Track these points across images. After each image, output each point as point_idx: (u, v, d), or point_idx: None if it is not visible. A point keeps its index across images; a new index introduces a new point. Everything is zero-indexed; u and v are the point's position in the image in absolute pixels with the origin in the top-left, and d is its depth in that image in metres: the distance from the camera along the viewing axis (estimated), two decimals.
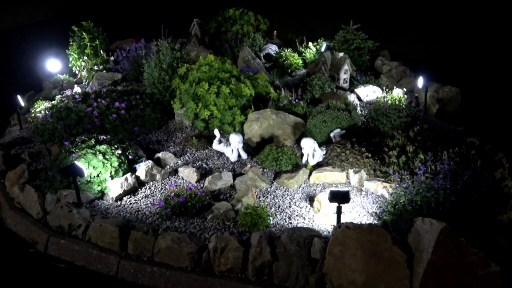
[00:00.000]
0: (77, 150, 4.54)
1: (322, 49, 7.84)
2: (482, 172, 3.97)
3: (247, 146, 5.23)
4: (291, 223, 4.00)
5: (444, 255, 3.01)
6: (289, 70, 7.63)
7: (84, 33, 7.82)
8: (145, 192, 4.54)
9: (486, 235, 3.39)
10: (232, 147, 5.01)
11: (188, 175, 4.71)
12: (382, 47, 8.32)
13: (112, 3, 15.56)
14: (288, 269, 3.39)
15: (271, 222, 3.98)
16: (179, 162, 5.04)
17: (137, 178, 4.64)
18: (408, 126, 4.92)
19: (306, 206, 4.24)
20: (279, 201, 4.33)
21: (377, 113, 5.29)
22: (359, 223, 3.57)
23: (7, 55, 10.47)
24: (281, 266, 3.41)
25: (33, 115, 6.18)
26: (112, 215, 4.19)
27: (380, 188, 4.25)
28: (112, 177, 4.53)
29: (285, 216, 4.10)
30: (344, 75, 6.83)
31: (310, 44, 8.17)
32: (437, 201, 3.57)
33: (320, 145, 5.09)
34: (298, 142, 5.22)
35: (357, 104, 6.16)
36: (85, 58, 7.80)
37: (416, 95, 6.29)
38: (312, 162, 4.85)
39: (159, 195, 4.45)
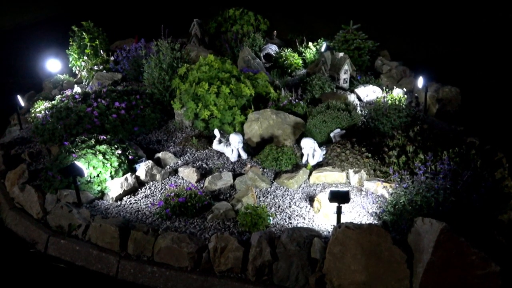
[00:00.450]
0: (77, 150, 4.54)
1: (322, 49, 7.84)
2: (482, 172, 3.97)
3: (247, 146, 5.23)
4: (291, 223, 4.00)
5: (444, 255, 3.01)
6: (289, 70, 7.64)
7: (84, 33, 7.82)
8: (145, 192, 4.54)
9: (486, 235, 3.39)
10: (232, 147, 5.01)
11: (188, 175, 4.71)
12: (382, 47, 8.32)
13: (112, 3, 15.56)
14: (288, 269, 3.39)
15: (271, 222, 3.98)
16: (179, 162, 5.04)
17: (137, 178, 4.64)
18: (408, 126, 4.91)
19: (306, 206, 4.24)
20: (279, 201, 4.33)
21: (377, 113, 5.29)
22: (359, 223, 3.57)
23: (7, 55, 10.47)
24: (281, 266, 3.41)
25: (33, 115, 6.18)
26: (112, 215, 4.19)
27: (380, 188, 4.25)
28: (112, 177, 4.53)
29: (285, 216, 4.10)
30: (344, 75, 6.83)
31: (310, 44, 8.18)
32: (437, 201, 3.57)
33: (320, 145, 5.09)
34: (298, 142, 5.22)
35: (357, 104, 6.16)
36: (85, 58, 7.80)
37: (416, 95, 6.29)
38: (312, 162, 4.85)
39: (159, 195, 4.45)
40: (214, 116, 5.57)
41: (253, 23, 8.73)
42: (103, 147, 4.61)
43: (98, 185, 4.45)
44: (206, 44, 8.60)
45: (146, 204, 4.33)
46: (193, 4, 14.42)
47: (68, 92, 6.52)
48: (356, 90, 6.59)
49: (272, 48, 8.17)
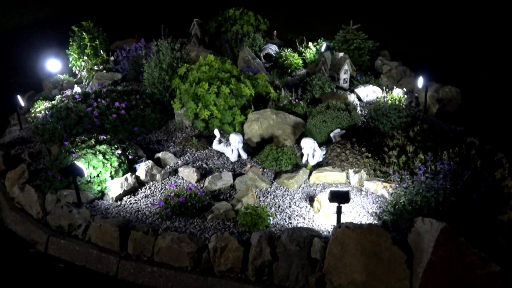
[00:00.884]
0: (77, 150, 4.54)
1: (322, 49, 7.85)
2: (482, 172, 3.97)
3: (247, 146, 5.23)
4: (291, 223, 4.00)
5: (444, 255, 3.01)
6: (289, 70, 7.64)
7: (84, 33, 7.82)
8: (145, 192, 4.54)
9: (486, 235, 3.39)
10: (232, 147, 5.01)
11: (188, 175, 4.71)
12: (382, 47, 8.32)
13: (112, 3, 15.56)
14: (288, 269, 3.39)
15: (271, 222, 3.98)
16: (179, 162, 5.04)
17: (137, 178, 4.64)
18: (408, 126, 4.91)
19: (306, 206, 4.24)
20: (279, 201, 4.33)
21: (377, 113, 5.29)
22: (359, 223, 3.57)
23: (7, 55, 10.47)
24: (281, 266, 3.41)
25: (33, 115, 6.18)
26: (112, 215, 4.19)
27: (380, 188, 4.25)
28: (112, 177, 4.53)
29: (285, 216, 4.10)
30: (344, 75, 6.83)
31: (310, 44, 8.18)
32: (437, 201, 3.57)
33: (320, 145, 5.09)
34: (298, 142, 5.22)
35: (357, 104, 6.16)
36: (85, 58, 7.80)
37: (416, 95, 6.29)
38: (312, 162, 4.85)
39: (159, 195, 4.45)
40: (214, 116, 5.57)
41: (253, 23, 8.73)
42: (103, 147, 4.61)
43: (98, 185, 4.45)
44: (206, 44, 8.60)
45: (146, 204, 4.33)
46: (193, 4, 14.42)
47: (68, 92, 6.52)
48: (356, 90, 6.59)
49: (272, 48, 8.17)
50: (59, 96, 6.35)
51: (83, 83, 7.50)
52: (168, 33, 6.66)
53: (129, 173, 4.57)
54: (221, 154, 5.20)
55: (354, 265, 3.22)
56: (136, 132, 5.63)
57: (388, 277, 3.15)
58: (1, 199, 4.61)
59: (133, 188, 4.55)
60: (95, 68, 7.53)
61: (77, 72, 7.94)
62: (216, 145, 5.22)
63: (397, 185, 3.92)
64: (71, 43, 7.88)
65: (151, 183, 4.67)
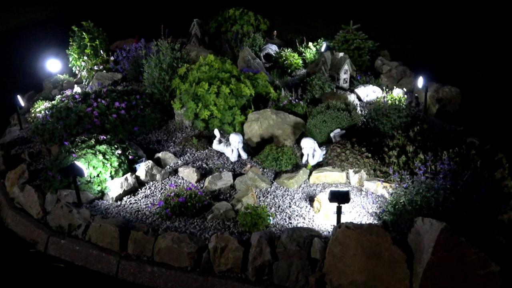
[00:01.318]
0: (77, 150, 4.54)
1: (322, 49, 7.84)
2: (482, 172, 3.97)
3: (247, 146, 5.23)
4: (291, 223, 4.00)
5: (444, 255, 3.01)
6: (289, 70, 7.63)
7: (84, 33, 7.82)
8: (145, 192, 4.54)
9: (486, 235, 3.39)
10: (232, 147, 5.01)
11: (188, 175, 4.71)
12: (382, 47, 8.32)
13: (112, 3, 15.55)
14: (288, 269, 3.39)
15: (271, 222, 3.98)
16: (179, 162, 5.04)
17: (137, 178, 4.64)
18: (408, 126, 4.92)
19: (306, 206, 4.24)
20: (279, 201, 4.33)
21: (377, 113, 5.29)
22: (359, 223, 3.57)
23: (7, 55, 10.47)
24: (281, 266, 3.41)
25: (33, 115, 6.18)
26: (112, 215, 4.19)
27: (380, 188, 4.25)
28: (112, 177, 4.53)
29: (285, 216, 4.10)
30: (344, 75, 6.83)
31: (310, 44, 8.17)
32: (437, 201, 3.57)
33: (320, 145, 5.09)
34: (298, 142, 5.22)
35: (357, 104, 6.16)
36: (85, 58, 7.80)
37: (416, 95, 6.29)
38: (312, 162, 4.85)
39: (159, 195, 4.45)
40: (214, 116, 5.57)
41: (253, 23, 8.73)
42: (103, 147, 4.61)
43: (98, 185, 4.45)
44: (206, 44, 8.60)
45: (146, 204, 4.33)
46: (193, 4, 14.41)
47: (68, 92, 6.52)
48: (356, 90, 6.59)
49: (272, 48, 8.17)
50: (59, 96, 6.35)
51: (83, 83, 7.50)
52: (168, 33, 6.66)
53: (129, 173, 4.57)
54: (221, 154, 5.20)
55: (354, 265, 3.22)
56: (136, 132, 5.63)
57: (388, 277, 3.15)
58: (1, 199, 4.61)
59: (133, 188, 4.55)
60: (95, 68, 7.53)
61: (77, 72, 7.94)
62: (216, 145, 5.22)
63: (397, 185, 3.92)
64: (71, 43, 7.87)
65: (151, 183, 4.67)
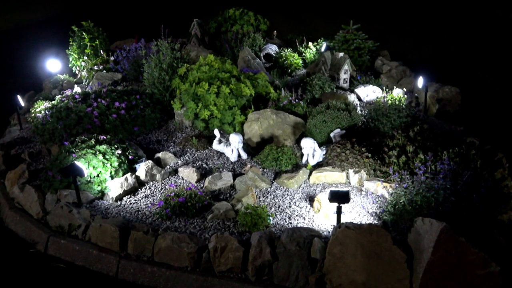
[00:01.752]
0: (77, 150, 4.54)
1: (322, 49, 7.85)
2: (482, 172, 3.97)
3: (247, 146, 5.23)
4: (291, 223, 4.00)
5: (444, 255, 3.01)
6: (289, 70, 7.64)
7: (84, 33, 7.82)
8: (145, 192, 4.54)
9: (486, 235, 3.39)
10: (232, 147, 5.01)
11: (188, 175, 4.71)
12: (382, 47, 8.33)
13: (112, 3, 15.55)
14: (288, 269, 3.39)
15: (271, 222, 3.98)
16: (179, 162, 5.04)
17: (137, 178, 4.64)
18: (408, 126, 4.91)
19: (306, 206, 4.24)
20: (279, 201, 4.33)
21: (377, 113, 5.29)
22: (359, 223, 3.57)
23: (7, 55, 10.47)
24: (281, 266, 3.41)
25: (33, 115, 6.18)
26: (112, 215, 4.19)
27: (380, 188, 4.25)
28: (112, 177, 4.53)
29: (285, 216, 4.10)
30: (344, 75, 6.83)
31: (310, 44, 8.18)
32: (437, 201, 3.57)
33: (320, 145, 5.09)
34: (298, 142, 5.22)
35: (357, 104, 6.16)
36: (85, 58, 7.81)
37: (416, 95, 6.29)
38: (312, 162, 4.85)
39: (159, 195, 4.45)
40: (214, 116, 5.57)
41: (253, 23, 8.73)
42: (103, 147, 4.61)
43: (98, 185, 4.45)
44: (206, 44, 8.60)
45: (146, 204, 4.33)
46: (193, 4, 14.41)
47: (68, 92, 6.52)
48: (356, 90, 6.59)
49: (272, 48, 8.17)
50: (59, 96, 6.35)
51: (83, 83, 7.50)
52: (168, 33, 6.66)
53: (129, 173, 4.57)
54: (221, 154, 5.20)
55: (354, 265, 3.22)
56: (136, 132, 5.63)
57: (388, 277, 3.15)
58: (1, 199, 4.61)
59: (133, 188, 4.55)
60: (95, 68, 7.54)
61: (77, 72, 7.94)
62: (216, 145, 5.22)
63: (397, 185, 3.92)
64: (71, 43, 7.88)
65: (151, 183, 4.67)
